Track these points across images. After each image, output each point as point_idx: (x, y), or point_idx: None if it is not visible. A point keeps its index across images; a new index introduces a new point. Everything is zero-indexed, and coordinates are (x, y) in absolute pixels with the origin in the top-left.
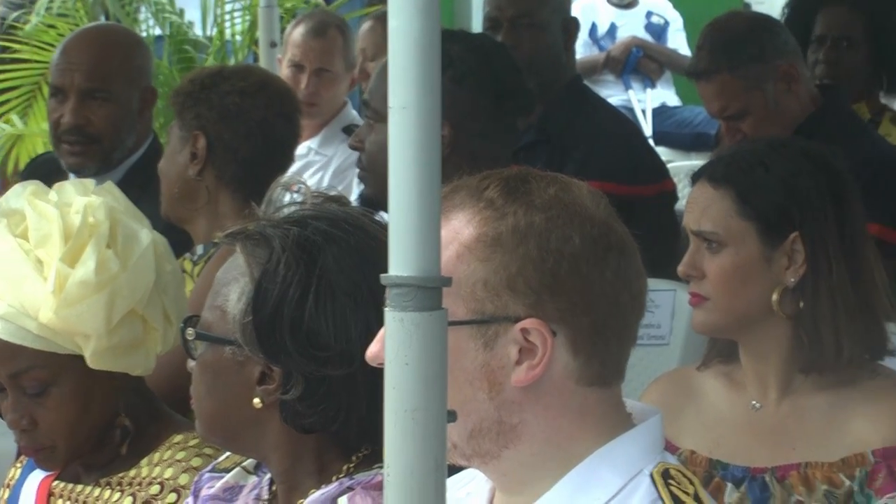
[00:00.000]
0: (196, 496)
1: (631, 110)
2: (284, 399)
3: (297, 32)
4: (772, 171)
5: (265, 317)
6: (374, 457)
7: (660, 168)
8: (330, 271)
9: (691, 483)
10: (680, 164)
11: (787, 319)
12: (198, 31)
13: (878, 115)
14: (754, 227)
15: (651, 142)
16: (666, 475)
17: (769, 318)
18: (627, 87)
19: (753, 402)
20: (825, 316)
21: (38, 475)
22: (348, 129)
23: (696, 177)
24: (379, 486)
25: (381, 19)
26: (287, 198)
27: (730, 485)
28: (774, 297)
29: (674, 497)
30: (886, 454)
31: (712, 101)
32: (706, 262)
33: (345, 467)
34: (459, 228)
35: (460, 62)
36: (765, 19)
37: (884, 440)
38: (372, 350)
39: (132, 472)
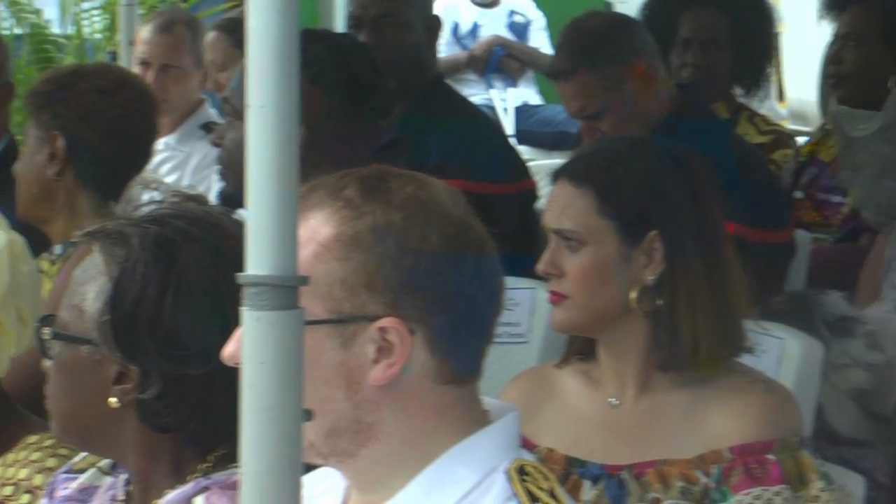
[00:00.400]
0: (51, 497)
1: (493, 109)
2: (142, 398)
3: (144, 30)
4: (631, 169)
5: (123, 315)
6: (231, 456)
7: (520, 167)
8: (189, 270)
9: (547, 479)
10: (541, 163)
11: (646, 317)
12: (56, 29)
13: (735, 115)
14: (613, 226)
15: (513, 140)
16: (522, 472)
17: (628, 316)
18: (489, 85)
19: (611, 400)
20: (683, 314)
21: None
22: (206, 127)
23: (557, 175)
24: (235, 486)
25: (225, 28)
26: (146, 196)
27: (587, 482)
28: (633, 295)
29: (529, 493)
30: (743, 451)
31: (571, 100)
32: (566, 260)
33: (201, 467)
34: (317, 227)
35: (318, 62)
36: (624, 19)
37: (740, 437)
38: (228, 349)
39: None
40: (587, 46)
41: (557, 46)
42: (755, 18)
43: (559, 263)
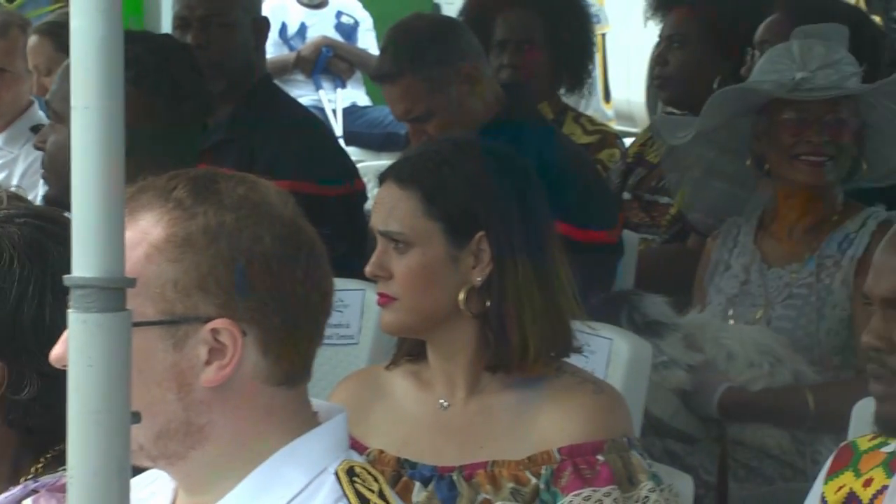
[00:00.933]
0: None
1: (321, 110)
2: (16, 399)
3: None
4: (457, 171)
5: (5, 316)
6: (62, 458)
7: (349, 168)
8: (60, 268)
9: (376, 481)
10: (370, 164)
11: (474, 319)
12: None
13: (561, 115)
14: (440, 228)
15: (341, 142)
16: (351, 473)
17: (456, 318)
18: (318, 86)
19: (442, 402)
20: (511, 315)
21: None
22: (35, 129)
23: (384, 177)
24: (63, 489)
25: (47, 32)
26: None
27: (418, 484)
28: (461, 296)
29: (359, 494)
30: (572, 452)
31: (397, 103)
32: (394, 262)
33: (33, 469)
34: (148, 229)
35: (137, 63)
36: (448, 21)
37: (569, 438)
38: (56, 351)
39: None
40: (411, 49)
41: (382, 49)
42: (570, 17)
43: (387, 265)
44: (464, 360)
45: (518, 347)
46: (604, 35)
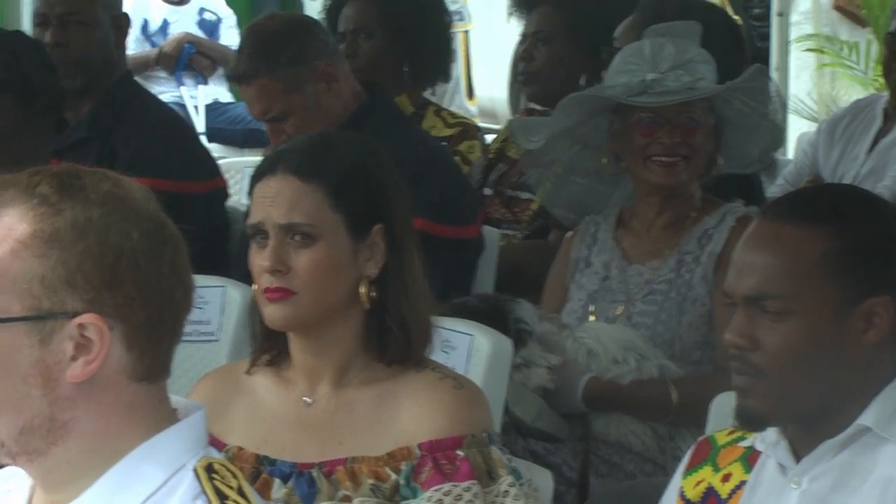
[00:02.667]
0: None
1: (183, 107)
2: None
3: None
4: (359, 164)
5: None
6: None
7: (211, 165)
8: None
9: (235, 477)
10: (232, 161)
11: (362, 311)
12: None
13: (422, 109)
14: (343, 220)
15: (203, 139)
16: (210, 469)
17: (347, 311)
18: (180, 83)
19: (305, 399)
20: (405, 306)
21: None
22: None
23: (271, 171)
24: None
25: None
26: None
27: (277, 480)
28: (363, 289)
29: (217, 491)
30: (432, 447)
31: (254, 104)
32: (293, 256)
33: None
34: (13, 225)
35: None
36: (302, 20)
37: (429, 433)
38: None
39: None
40: (265, 50)
41: (238, 50)
42: (410, 7)
43: (285, 259)
44: (338, 355)
45: (412, 338)
46: (467, 32)
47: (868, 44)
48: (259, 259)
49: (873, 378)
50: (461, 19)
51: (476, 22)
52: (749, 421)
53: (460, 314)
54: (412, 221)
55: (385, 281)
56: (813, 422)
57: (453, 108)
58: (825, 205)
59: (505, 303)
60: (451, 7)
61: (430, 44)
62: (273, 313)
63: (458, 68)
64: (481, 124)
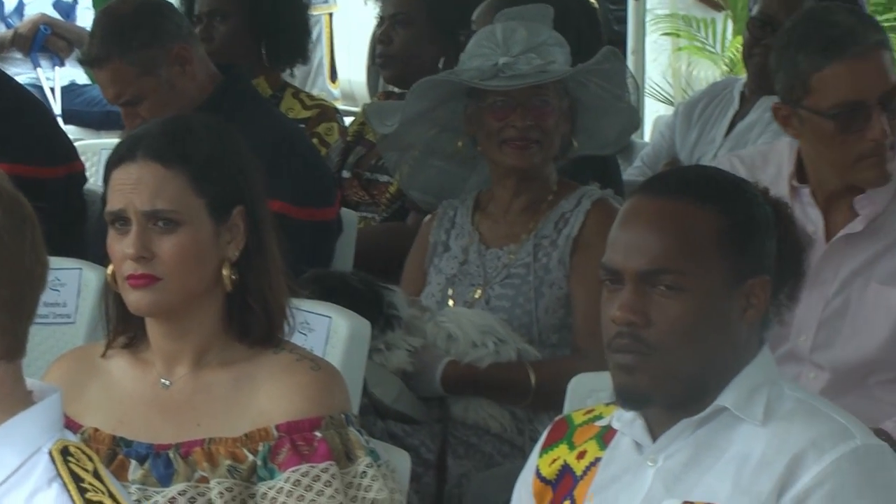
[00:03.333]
0: None
1: (39, 88)
2: None
3: None
4: (219, 146)
5: None
6: None
7: (69, 149)
8: None
9: (91, 460)
10: (89, 143)
11: (224, 294)
12: None
13: (280, 91)
14: (206, 204)
15: (60, 120)
16: (65, 452)
17: (209, 294)
18: (36, 64)
19: (164, 381)
20: (266, 286)
21: None
22: None
23: (128, 157)
24: None
25: None
26: None
27: (134, 462)
28: (226, 271)
29: (73, 474)
30: (290, 428)
31: (107, 87)
32: (156, 242)
33: None
34: None
35: None
36: (155, 3)
37: (287, 414)
38: None
39: None
40: (117, 34)
41: (90, 34)
42: None
43: (149, 245)
44: (198, 338)
45: (276, 319)
46: (331, 15)
47: (725, 20)
48: (121, 246)
49: (738, 359)
50: (325, 1)
51: (340, 4)
52: (632, 399)
53: (335, 287)
54: (268, 203)
55: (246, 262)
56: (686, 400)
57: (315, 91)
58: (711, 184)
59: (381, 287)
60: None
61: (285, 25)
62: (138, 300)
63: (322, 50)
64: (342, 107)
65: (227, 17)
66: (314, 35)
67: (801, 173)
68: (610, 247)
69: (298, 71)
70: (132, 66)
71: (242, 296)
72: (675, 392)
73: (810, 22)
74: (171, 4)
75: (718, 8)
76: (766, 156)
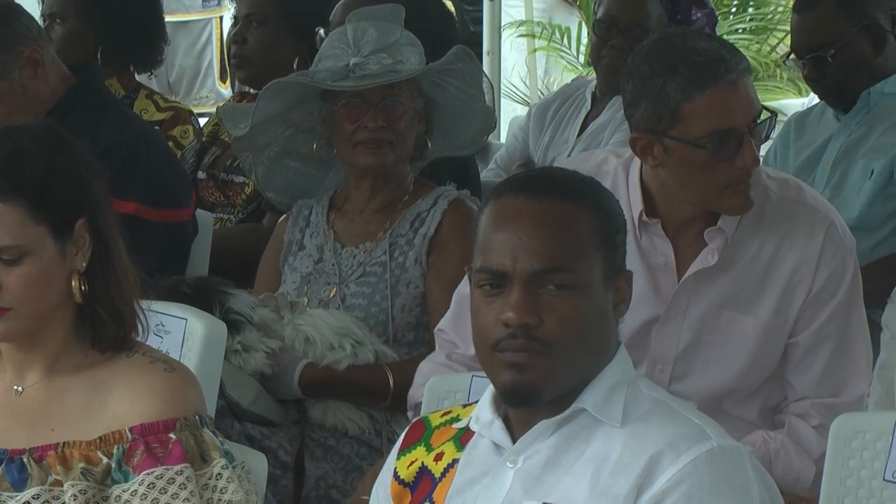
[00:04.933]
0: None
1: None
2: None
3: None
4: (50, 166)
5: None
6: None
7: None
8: None
9: None
10: None
11: (74, 303)
12: None
13: (133, 92)
14: (48, 229)
15: None
16: None
17: (60, 307)
18: None
19: (15, 387)
20: (116, 292)
21: None
22: None
23: None
24: None
25: None
26: None
27: None
28: (74, 283)
29: None
30: (144, 431)
31: None
32: (4, 274)
33: None
34: None
35: None
36: (4, 6)
37: (141, 417)
38: None
39: None
40: None
41: None
42: None
43: None
44: (51, 346)
45: (127, 325)
46: (221, 18)
47: (580, 27)
48: None
49: (605, 355)
50: (217, 4)
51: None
52: (524, 395)
53: (169, 296)
54: (111, 204)
55: (94, 270)
56: (565, 399)
57: (204, 91)
58: (581, 184)
59: (215, 289)
60: None
61: (125, 28)
62: None
63: (212, 52)
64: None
65: (65, 19)
66: (203, 37)
67: (648, 207)
68: (487, 249)
69: (187, 72)
70: None
71: (92, 304)
72: (564, 387)
73: (673, 51)
74: (19, 6)
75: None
76: (595, 176)
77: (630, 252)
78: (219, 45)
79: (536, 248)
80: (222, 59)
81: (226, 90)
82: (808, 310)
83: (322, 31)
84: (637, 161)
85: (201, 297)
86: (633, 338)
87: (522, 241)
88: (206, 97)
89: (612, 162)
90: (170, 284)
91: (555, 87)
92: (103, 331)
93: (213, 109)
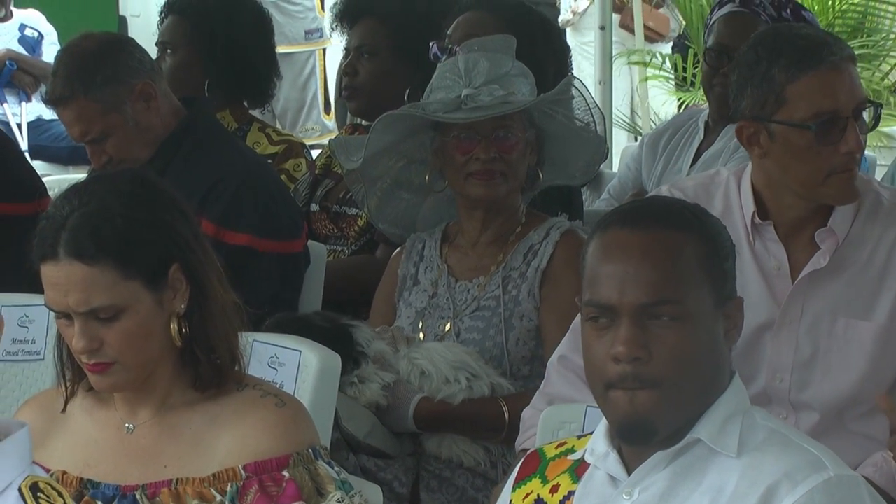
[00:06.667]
0: None
1: (6, 124)
2: None
3: None
4: (133, 221)
5: None
6: None
7: (38, 185)
8: None
9: (60, 496)
10: (57, 178)
11: (180, 343)
12: None
13: (246, 125)
14: (141, 283)
15: (27, 156)
16: (35, 489)
17: (164, 352)
18: (2, 100)
19: (127, 425)
20: (216, 332)
21: None
22: None
23: (51, 256)
24: None
25: None
26: None
27: (100, 503)
28: (174, 326)
29: None
30: (257, 469)
31: (72, 126)
32: (103, 332)
33: None
34: None
35: None
36: (117, 39)
37: (254, 454)
38: None
39: None
40: (81, 72)
41: (53, 72)
42: (222, 25)
43: (95, 337)
44: (159, 386)
45: (224, 363)
46: (325, 50)
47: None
48: (68, 335)
49: (719, 385)
50: (320, 36)
51: (335, 39)
52: (640, 434)
53: (302, 331)
54: (203, 242)
55: (192, 312)
56: (680, 430)
57: (310, 124)
58: (684, 212)
59: (347, 326)
60: (311, 25)
61: (234, 61)
62: (98, 382)
63: (316, 84)
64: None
65: (175, 49)
66: (307, 69)
67: (760, 209)
68: (595, 283)
69: (291, 105)
70: (97, 104)
71: (191, 346)
72: (679, 421)
73: (778, 38)
74: (133, 41)
75: (659, 36)
76: (707, 188)
77: (744, 258)
78: (322, 77)
79: (643, 280)
80: (326, 92)
81: (330, 122)
82: None
83: (435, 47)
84: (749, 168)
85: (338, 334)
86: (748, 344)
87: (629, 273)
88: (312, 129)
89: (724, 173)
90: (303, 320)
91: (665, 117)
92: (201, 371)
93: (319, 141)
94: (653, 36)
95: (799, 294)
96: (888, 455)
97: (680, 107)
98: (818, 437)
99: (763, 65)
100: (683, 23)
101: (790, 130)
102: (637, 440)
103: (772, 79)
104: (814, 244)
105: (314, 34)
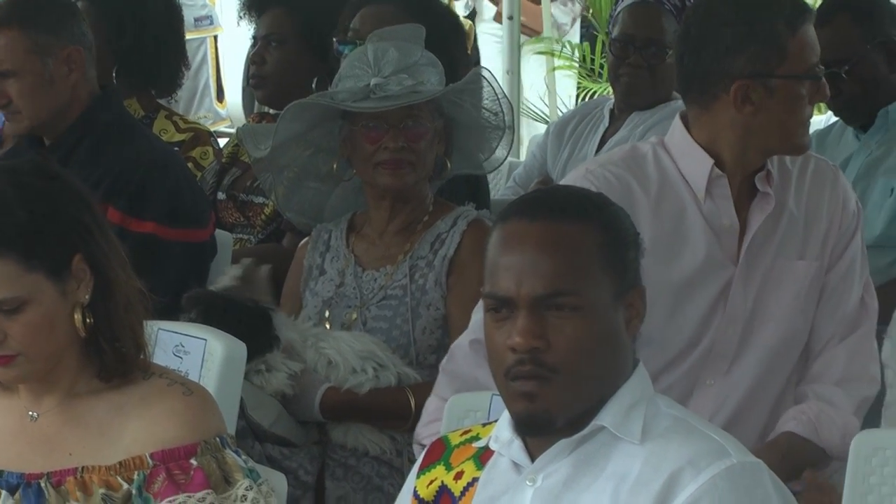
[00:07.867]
0: None
1: None
2: None
3: None
4: (36, 211)
5: None
6: None
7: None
8: None
9: None
10: None
11: (84, 333)
12: None
13: (152, 112)
14: (44, 274)
15: None
16: None
17: (69, 342)
18: None
19: (31, 413)
20: (121, 321)
21: None
22: None
23: None
24: None
25: None
26: None
27: (4, 492)
28: (77, 316)
29: None
30: (164, 457)
31: None
32: (7, 323)
33: None
34: None
35: None
36: (76, 5)
37: (161, 442)
38: None
39: None
40: (29, 7)
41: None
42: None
43: (1, 329)
44: (64, 375)
45: (129, 353)
46: (216, 37)
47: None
48: None
49: (620, 374)
50: (210, 24)
51: (227, 25)
52: (537, 425)
53: (221, 306)
54: (107, 231)
55: (96, 302)
56: (583, 418)
57: (202, 112)
58: (585, 202)
59: (268, 308)
60: (201, 12)
61: (143, 49)
62: (2, 375)
63: (207, 72)
64: (228, 129)
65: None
66: (198, 57)
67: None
68: (494, 274)
69: (184, 93)
70: (26, 41)
71: (95, 335)
72: (577, 412)
73: None
74: (83, 14)
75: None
76: (636, 160)
77: (692, 220)
78: (214, 65)
79: (539, 272)
80: (219, 79)
81: (223, 110)
82: (839, 244)
83: (336, 42)
84: (677, 134)
85: (260, 311)
86: (715, 305)
87: (526, 265)
88: (205, 117)
89: (643, 147)
90: (225, 296)
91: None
92: (106, 360)
93: (213, 129)
94: (526, 32)
95: (754, 247)
96: (799, 410)
97: (582, 96)
98: (756, 385)
99: (765, 19)
100: (591, 10)
101: (791, 83)
102: (534, 430)
103: (775, 34)
104: (753, 190)
105: (203, 21)
